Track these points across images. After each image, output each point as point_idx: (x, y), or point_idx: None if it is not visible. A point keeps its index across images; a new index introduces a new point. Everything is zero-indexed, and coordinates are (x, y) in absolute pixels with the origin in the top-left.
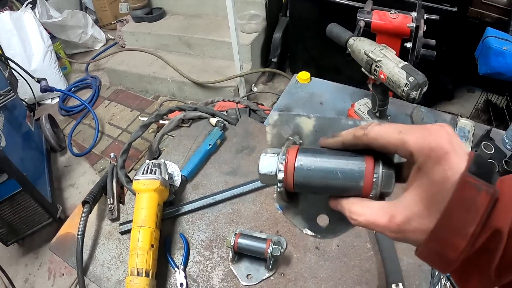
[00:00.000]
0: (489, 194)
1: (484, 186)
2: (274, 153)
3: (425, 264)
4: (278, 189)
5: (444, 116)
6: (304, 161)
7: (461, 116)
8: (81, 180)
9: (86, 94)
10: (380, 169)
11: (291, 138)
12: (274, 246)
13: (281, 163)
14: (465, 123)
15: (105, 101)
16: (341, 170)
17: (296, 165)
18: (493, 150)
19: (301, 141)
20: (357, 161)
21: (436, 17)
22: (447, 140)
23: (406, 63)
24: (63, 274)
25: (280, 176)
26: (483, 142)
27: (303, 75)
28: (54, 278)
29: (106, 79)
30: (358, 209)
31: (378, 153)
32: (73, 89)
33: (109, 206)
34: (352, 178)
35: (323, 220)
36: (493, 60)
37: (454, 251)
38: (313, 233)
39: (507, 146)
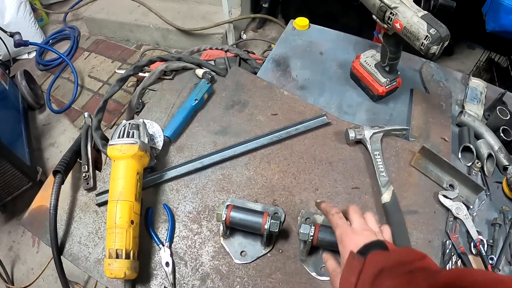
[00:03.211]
0: (360, 261)
1: (357, 257)
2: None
3: (436, 239)
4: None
5: (454, 74)
6: (322, 234)
7: (473, 75)
8: (62, 138)
9: (64, 46)
10: None
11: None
12: (272, 220)
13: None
14: (477, 84)
15: (84, 52)
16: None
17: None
18: (508, 116)
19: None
20: None
21: None
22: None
23: (426, 12)
24: None
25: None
26: (498, 107)
27: (301, 21)
28: (38, 245)
29: (85, 29)
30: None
31: None
32: (50, 41)
33: (84, 174)
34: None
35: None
36: (503, 17)
37: None
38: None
39: None
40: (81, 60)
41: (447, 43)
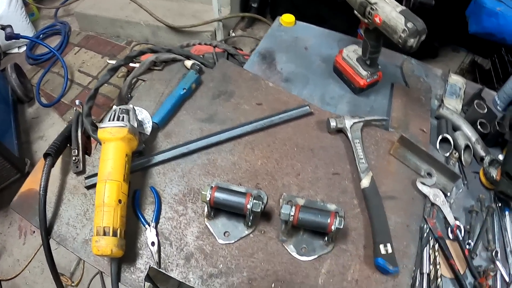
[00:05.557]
0: None
1: None
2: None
3: (414, 224)
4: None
5: (434, 70)
6: (302, 214)
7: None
8: (50, 131)
9: (55, 41)
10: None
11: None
12: (254, 201)
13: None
14: (457, 80)
15: (74, 47)
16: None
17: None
18: (486, 109)
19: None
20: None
21: None
22: None
23: (404, 7)
24: (33, 232)
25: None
26: (476, 101)
27: (287, 18)
28: (25, 236)
29: (76, 24)
30: None
31: None
32: (41, 36)
33: (74, 158)
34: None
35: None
36: (485, 20)
37: None
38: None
39: (498, 107)
40: (71, 55)
41: (424, 36)
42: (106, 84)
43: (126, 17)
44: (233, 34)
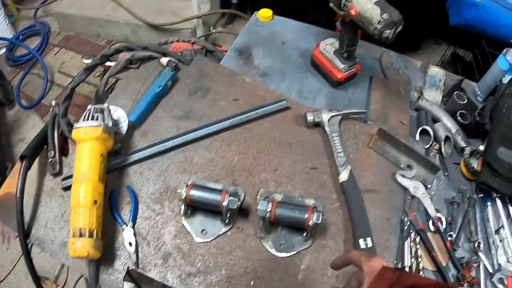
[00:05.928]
0: (394, 273)
1: (392, 270)
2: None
3: (394, 217)
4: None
5: (414, 62)
6: (279, 210)
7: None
8: (31, 134)
9: (35, 42)
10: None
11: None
12: (230, 198)
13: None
14: (436, 71)
15: (54, 48)
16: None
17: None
18: (466, 100)
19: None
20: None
21: None
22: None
23: None
24: (17, 236)
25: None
26: (455, 92)
27: (264, 13)
28: (8, 242)
29: (56, 25)
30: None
31: None
32: (20, 37)
33: (50, 160)
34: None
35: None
36: (465, 11)
37: None
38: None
39: (478, 98)
40: (51, 56)
41: (400, 27)
42: (86, 84)
43: (106, 16)
44: (213, 31)
